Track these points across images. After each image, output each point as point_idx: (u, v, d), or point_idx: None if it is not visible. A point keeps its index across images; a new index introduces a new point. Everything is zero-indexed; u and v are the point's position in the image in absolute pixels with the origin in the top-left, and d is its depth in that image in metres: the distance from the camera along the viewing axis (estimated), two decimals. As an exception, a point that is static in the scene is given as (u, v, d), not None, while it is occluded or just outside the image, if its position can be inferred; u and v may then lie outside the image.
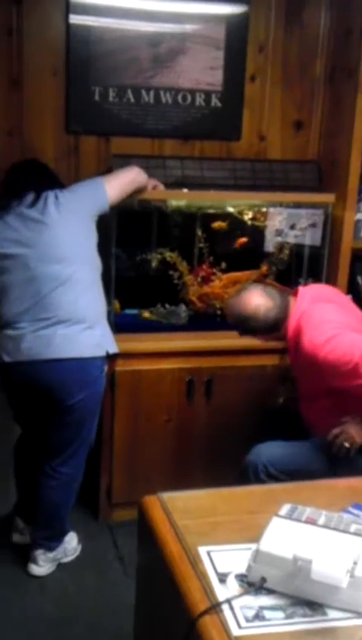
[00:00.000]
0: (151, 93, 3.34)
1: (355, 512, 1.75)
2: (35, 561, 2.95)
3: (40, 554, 2.95)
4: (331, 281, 3.38)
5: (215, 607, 1.38)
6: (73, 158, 3.32)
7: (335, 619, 1.38)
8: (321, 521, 1.53)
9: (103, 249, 2.91)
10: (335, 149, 3.38)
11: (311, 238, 3.41)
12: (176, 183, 3.27)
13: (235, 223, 3.38)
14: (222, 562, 1.52)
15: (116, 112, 3.32)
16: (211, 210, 3.34)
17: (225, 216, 3.35)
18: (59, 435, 2.84)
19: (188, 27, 3.31)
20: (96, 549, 3.16)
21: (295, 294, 2.72)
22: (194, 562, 1.52)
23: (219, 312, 3.33)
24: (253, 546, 1.47)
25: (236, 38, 3.37)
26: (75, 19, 3.17)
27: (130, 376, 3.16)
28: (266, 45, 3.43)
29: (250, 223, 3.39)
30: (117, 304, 3.27)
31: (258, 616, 1.37)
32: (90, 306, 2.78)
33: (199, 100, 3.40)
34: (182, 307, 3.35)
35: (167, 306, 3.34)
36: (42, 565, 2.96)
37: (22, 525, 3.11)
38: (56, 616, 2.75)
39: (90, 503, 3.36)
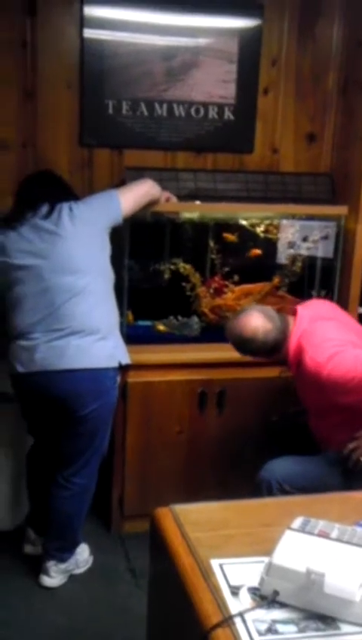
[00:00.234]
0: (165, 106, 3.36)
1: (368, 525, 1.74)
2: (46, 573, 2.95)
3: (52, 565, 2.94)
4: (343, 293, 3.38)
5: (227, 620, 1.38)
6: (87, 170, 3.34)
7: (348, 633, 1.37)
8: (334, 534, 1.53)
9: (116, 260, 2.92)
10: (348, 162, 3.38)
11: (323, 250, 3.41)
12: (188, 196, 3.28)
13: (248, 235, 3.38)
14: (235, 575, 1.52)
15: (129, 125, 3.34)
16: (223, 223, 3.34)
17: (238, 228, 3.36)
18: (72, 446, 2.85)
19: (202, 41, 3.33)
20: (108, 560, 3.16)
21: (294, 314, 2.71)
22: (207, 575, 1.52)
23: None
24: (266, 559, 1.47)
25: (249, 51, 3.38)
26: (89, 33, 3.20)
27: (142, 387, 3.16)
28: (279, 58, 3.44)
29: (262, 235, 3.39)
30: (130, 315, 3.28)
31: (270, 630, 1.36)
32: (103, 317, 2.79)
33: (212, 112, 3.42)
34: (195, 319, 3.35)
35: (180, 317, 3.35)
36: (54, 577, 2.95)
37: (34, 536, 3.11)
38: (67, 627, 2.75)
39: (102, 515, 3.36)
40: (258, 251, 3.39)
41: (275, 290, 3.42)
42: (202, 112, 3.41)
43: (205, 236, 3.36)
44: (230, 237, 3.33)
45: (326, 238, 3.40)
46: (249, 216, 3.36)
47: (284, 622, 1.39)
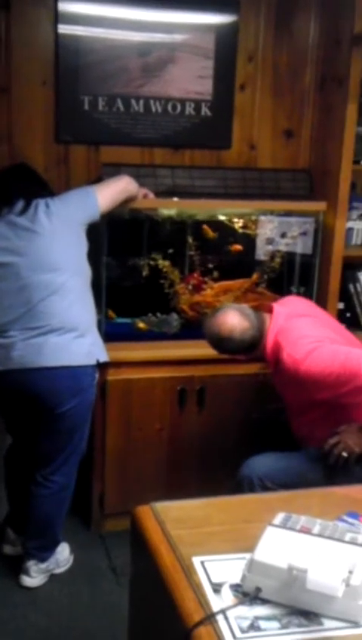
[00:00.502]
0: (141, 102, 3.34)
1: (350, 520, 1.74)
2: (26, 573, 2.93)
3: (32, 565, 2.92)
4: (322, 289, 3.39)
5: (209, 617, 1.37)
6: (63, 167, 3.32)
7: (331, 628, 1.37)
8: (316, 529, 1.52)
9: (94, 258, 2.90)
10: (326, 158, 3.39)
11: (302, 246, 3.42)
12: (166, 192, 3.27)
13: (226, 232, 3.37)
14: (217, 572, 1.51)
15: (106, 122, 3.32)
16: (202, 219, 3.33)
17: (216, 224, 3.35)
18: (51, 444, 2.83)
19: (178, 37, 3.32)
20: (89, 559, 3.14)
21: (270, 311, 2.71)
22: (188, 573, 1.51)
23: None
24: (248, 556, 1.46)
25: (225, 47, 3.37)
26: (64, 28, 3.17)
27: (121, 385, 3.15)
28: (256, 54, 3.44)
29: (241, 231, 3.39)
30: (111, 312, 3.26)
31: (253, 627, 1.36)
32: (81, 314, 2.78)
33: (189, 109, 3.41)
34: (174, 316, 3.34)
35: (159, 314, 3.34)
36: (34, 576, 2.93)
37: (13, 536, 3.09)
38: (48, 627, 2.73)
39: (82, 514, 3.34)
40: (238, 247, 3.39)
41: (254, 286, 3.42)
42: (179, 108, 3.39)
43: (183, 233, 3.34)
44: (205, 231, 3.32)
45: (304, 234, 3.40)
46: (227, 212, 3.35)
47: (267, 618, 1.38)
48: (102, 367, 2.90)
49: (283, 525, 1.54)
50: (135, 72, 3.31)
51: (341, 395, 2.52)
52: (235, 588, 1.46)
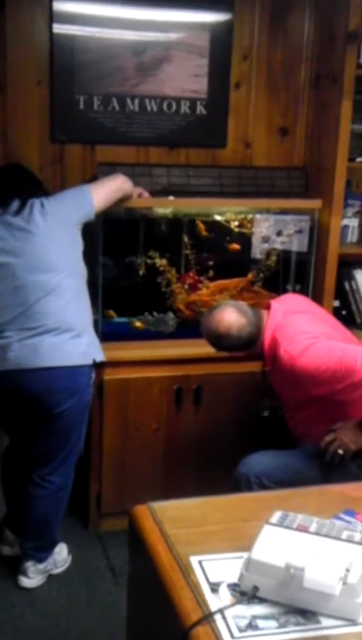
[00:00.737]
0: (136, 101, 3.34)
1: (347, 518, 1.75)
2: (24, 573, 2.93)
3: (30, 565, 2.92)
4: (318, 287, 3.39)
5: (207, 617, 1.37)
6: (58, 166, 3.31)
7: (328, 627, 1.37)
8: (313, 528, 1.52)
9: (90, 257, 2.90)
10: (321, 155, 3.39)
11: (297, 244, 3.41)
12: (162, 191, 3.27)
13: (222, 230, 3.37)
14: (214, 572, 1.51)
15: (101, 121, 3.32)
16: (197, 218, 3.33)
17: (212, 223, 3.35)
18: (48, 444, 2.83)
19: (173, 35, 3.31)
20: (87, 559, 3.14)
21: (268, 308, 2.72)
22: (186, 572, 1.51)
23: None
24: (245, 555, 1.46)
25: (220, 45, 3.37)
26: (58, 28, 3.17)
27: (118, 384, 3.14)
28: (250, 52, 3.43)
29: (236, 230, 3.39)
30: (112, 312, 3.27)
31: (251, 626, 1.36)
32: (77, 314, 2.78)
33: (184, 107, 3.40)
34: (170, 315, 3.34)
35: (155, 313, 3.33)
36: (32, 577, 2.93)
37: (11, 537, 3.09)
38: (47, 628, 2.73)
39: (79, 513, 3.34)
40: (236, 246, 3.38)
41: (250, 285, 3.42)
42: (174, 106, 3.39)
43: (179, 232, 3.34)
44: (201, 229, 3.31)
45: (300, 232, 3.40)
46: (223, 211, 3.35)
47: (265, 617, 1.38)
48: (98, 366, 2.89)
49: (281, 524, 1.54)
50: (130, 71, 3.30)
51: (337, 391, 2.52)
52: (233, 587, 1.46)
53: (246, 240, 3.41)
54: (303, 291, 3.38)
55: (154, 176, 3.32)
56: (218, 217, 3.35)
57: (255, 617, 1.38)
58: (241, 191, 3.41)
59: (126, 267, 3.32)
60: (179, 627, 1.37)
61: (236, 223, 3.38)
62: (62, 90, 3.24)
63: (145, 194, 3.12)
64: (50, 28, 3.16)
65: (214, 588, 1.46)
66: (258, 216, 3.38)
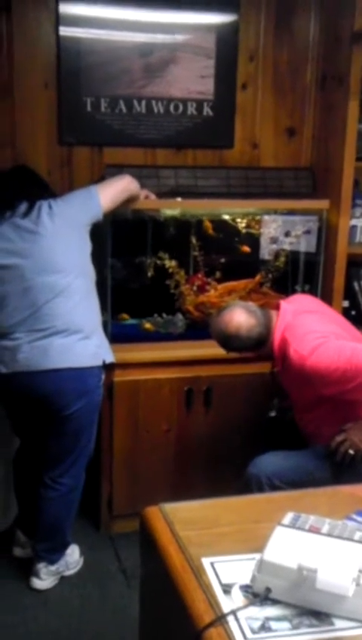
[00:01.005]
0: (143, 103, 3.35)
1: (359, 519, 1.74)
2: (37, 575, 2.93)
3: (42, 567, 2.93)
4: (327, 287, 3.38)
5: (220, 619, 1.37)
6: (66, 169, 3.32)
7: (342, 628, 1.36)
8: (325, 529, 1.52)
9: (99, 259, 2.90)
10: (328, 156, 3.39)
11: (306, 244, 3.41)
12: (169, 192, 3.27)
13: (230, 231, 3.37)
14: (226, 573, 1.51)
15: (108, 123, 3.33)
16: (205, 219, 3.33)
17: (220, 224, 3.35)
18: (58, 446, 2.83)
19: (179, 37, 3.32)
20: (99, 561, 3.15)
21: (277, 308, 2.72)
22: (198, 574, 1.51)
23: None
24: (257, 556, 1.46)
25: (226, 46, 3.38)
26: (65, 31, 3.18)
27: (128, 386, 3.15)
28: (257, 53, 3.44)
29: (244, 231, 3.39)
30: (125, 315, 3.29)
31: (264, 628, 1.36)
32: (86, 315, 2.78)
33: (191, 109, 3.41)
34: (179, 316, 3.34)
35: (164, 315, 3.34)
36: (44, 579, 2.94)
37: (23, 539, 3.09)
38: (59, 630, 2.73)
39: (91, 515, 3.35)
40: (247, 248, 3.38)
41: (258, 286, 3.41)
42: (181, 108, 3.39)
43: (187, 233, 3.34)
44: (209, 228, 3.31)
45: (308, 232, 3.40)
46: (230, 212, 3.35)
47: (277, 619, 1.38)
48: (108, 368, 2.90)
49: (293, 525, 1.53)
50: (137, 73, 3.31)
51: (347, 391, 2.52)
52: (245, 589, 1.45)
53: (254, 241, 3.41)
54: (312, 292, 3.38)
55: (162, 178, 3.32)
56: (226, 218, 3.35)
57: (268, 619, 1.38)
58: (249, 192, 3.41)
59: (134, 269, 3.32)
60: (192, 629, 1.37)
61: (244, 224, 3.38)
62: (69, 92, 3.25)
63: (152, 196, 3.12)
64: (57, 31, 3.18)
65: (226, 589, 1.46)
66: (266, 217, 3.38)
